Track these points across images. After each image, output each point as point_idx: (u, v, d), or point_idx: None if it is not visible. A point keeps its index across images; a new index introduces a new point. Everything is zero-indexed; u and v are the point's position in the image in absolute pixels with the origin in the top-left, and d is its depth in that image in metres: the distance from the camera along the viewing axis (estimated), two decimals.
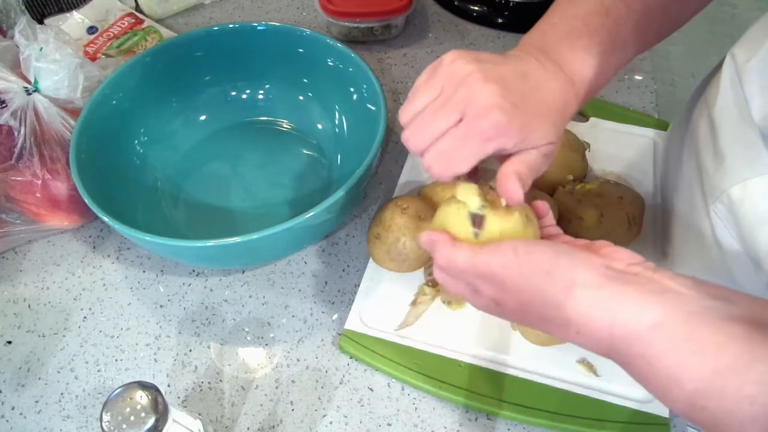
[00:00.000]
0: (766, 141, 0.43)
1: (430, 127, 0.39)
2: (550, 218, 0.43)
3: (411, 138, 0.40)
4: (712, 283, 0.32)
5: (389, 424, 0.52)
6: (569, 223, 0.56)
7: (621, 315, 0.32)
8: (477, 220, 0.40)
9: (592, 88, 0.43)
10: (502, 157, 0.40)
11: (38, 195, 0.59)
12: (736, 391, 0.28)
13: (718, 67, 0.51)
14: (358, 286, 0.59)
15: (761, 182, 0.43)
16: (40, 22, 0.80)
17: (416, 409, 0.53)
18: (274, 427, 0.52)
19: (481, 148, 0.38)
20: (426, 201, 0.58)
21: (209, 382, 0.55)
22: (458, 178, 0.41)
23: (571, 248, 0.36)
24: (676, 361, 0.30)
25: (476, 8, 0.85)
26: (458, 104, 0.38)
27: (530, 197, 0.54)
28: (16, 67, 0.59)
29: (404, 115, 0.40)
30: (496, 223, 0.39)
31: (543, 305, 0.34)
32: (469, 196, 0.40)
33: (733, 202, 0.45)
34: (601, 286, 0.33)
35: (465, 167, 0.38)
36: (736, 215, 0.45)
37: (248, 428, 0.52)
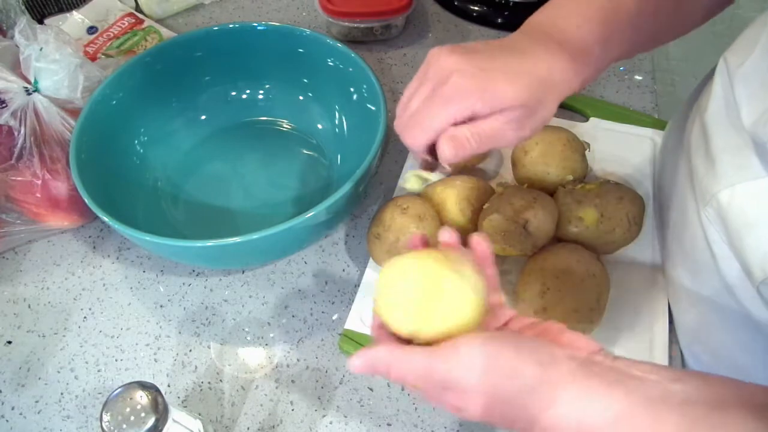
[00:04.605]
0: (755, 147, 0.43)
1: (409, 107, 0.42)
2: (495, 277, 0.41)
3: (398, 122, 0.44)
4: (669, 367, 0.33)
5: (389, 424, 0.52)
6: (569, 224, 0.56)
7: (588, 411, 0.31)
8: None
9: (597, 56, 0.42)
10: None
11: (38, 195, 0.59)
12: None
13: (713, 70, 0.51)
14: (358, 286, 0.59)
15: (749, 187, 0.43)
16: (40, 22, 0.80)
17: (416, 409, 0.53)
18: (274, 427, 0.52)
19: (444, 111, 0.40)
20: (426, 201, 0.58)
21: (209, 382, 0.55)
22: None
23: (532, 341, 0.34)
24: None
25: (476, 8, 0.85)
26: (429, 81, 0.41)
27: (530, 198, 0.55)
28: (16, 67, 0.59)
29: (398, 108, 0.44)
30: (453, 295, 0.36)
31: (507, 407, 0.34)
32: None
33: (722, 206, 0.45)
34: (566, 383, 0.32)
35: (431, 131, 0.41)
36: (725, 219, 0.45)
37: (248, 428, 0.52)
